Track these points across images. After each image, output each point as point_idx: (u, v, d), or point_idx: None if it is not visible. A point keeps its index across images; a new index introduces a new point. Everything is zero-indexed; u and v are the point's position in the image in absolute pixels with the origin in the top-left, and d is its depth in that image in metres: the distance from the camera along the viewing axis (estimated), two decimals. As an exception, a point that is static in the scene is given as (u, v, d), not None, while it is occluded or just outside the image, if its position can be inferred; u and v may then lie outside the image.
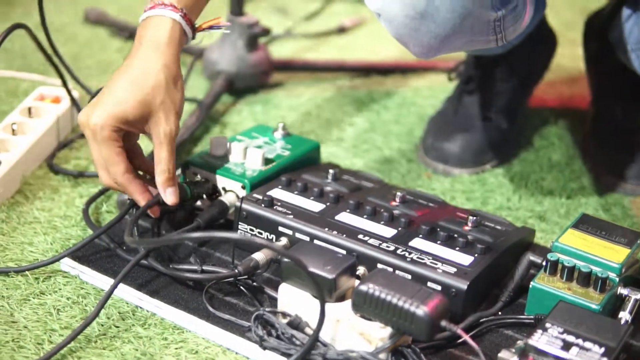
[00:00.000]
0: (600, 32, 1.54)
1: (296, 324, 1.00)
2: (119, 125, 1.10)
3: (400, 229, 1.13)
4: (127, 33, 1.93)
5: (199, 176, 1.24)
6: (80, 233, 1.22)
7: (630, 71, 1.46)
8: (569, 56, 1.78)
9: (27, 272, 1.13)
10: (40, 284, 1.11)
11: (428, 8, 1.11)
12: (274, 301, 1.06)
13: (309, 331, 1.00)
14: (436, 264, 1.06)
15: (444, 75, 1.67)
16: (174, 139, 1.14)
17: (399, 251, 1.08)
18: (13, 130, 1.40)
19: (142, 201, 1.14)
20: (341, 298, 1.01)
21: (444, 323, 0.95)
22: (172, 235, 1.14)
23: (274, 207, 1.16)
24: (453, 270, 1.06)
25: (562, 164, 1.52)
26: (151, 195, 1.14)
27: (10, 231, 1.22)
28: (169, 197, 1.14)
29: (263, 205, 1.16)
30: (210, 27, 1.21)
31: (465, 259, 1.08)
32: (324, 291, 0.98)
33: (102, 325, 1.05)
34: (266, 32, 1.69)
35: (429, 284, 1.05)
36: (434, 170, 1.47)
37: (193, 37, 1.19)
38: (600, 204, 1.40)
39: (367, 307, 0.96)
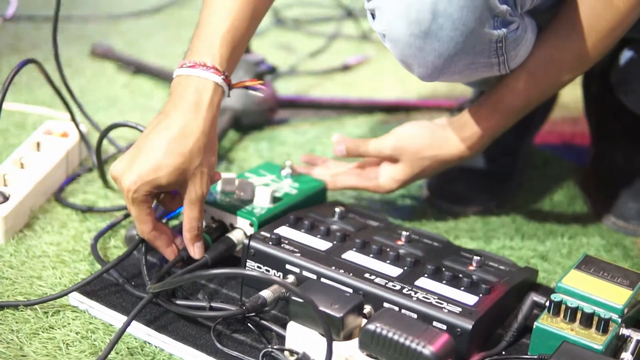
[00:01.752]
0: (600, 74, 1.57)
1: (303, 362, 1.02)
2: (153, 190, 1.12)
3: (406, 268, 1.15)
4: (133, 68, 1.95)
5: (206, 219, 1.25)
6: (89, 267, 1.24)
7: (630, 112, 1.49)
8: (571, 96, 1.80)
9: (36, 306, 1.14)
10: (49, 318, 1.12)
11: (432, 26, 1.13)
12: (281, 339, 1.07)
13: (316, 369, 1.01)
14: (442, 304, 1.08)
15: (447, 114, 1.69)
16: (204, 201, 1.16)
17: (405, 290, 1.10)
18: (22, 164, 1.41)
19: (168, 255, 1.18)
20: (348, 337, 1.02)
21: (450, 363, 0.96)
22: (186, 274, 1.14)
23: (282, 245, 1.17)
24: (458, 310, 1.07)
25: (564, 204, 1.54)
26: (177, 247, 1.18)
27: (19, 265, 1.24)
28: (197, 251, 1.17)
29: (271, 243, 1.17)
30: (246, 87, 1.23)
31: (470, 299, 1.10)
32: (332, 330, 0.99)
33: (111, 360, 1.06)
34: (272, 70, 1.71)
35: (435, 323, 1.06)
36: (438, 209, 1.49)
37: (228, 95, 1.20)
38: (602, 244, 1.42)
39: (374, 346, 0.98)
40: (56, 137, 1.50)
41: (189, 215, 1.16)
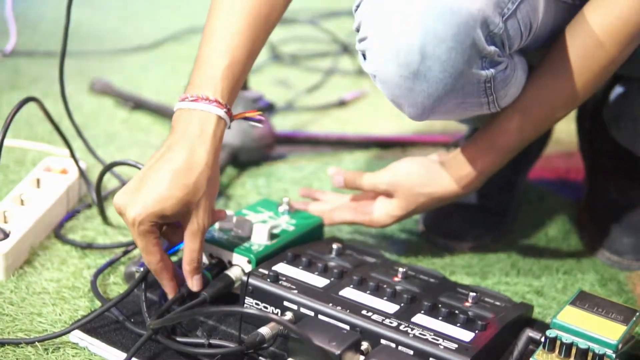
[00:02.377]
0: (593, 111, 1.59)
1: (302, 399, 1.03)
2: (157, 220, 1.14)
3: (402, 304, 1.16)
4: (132, 103, 1.97)
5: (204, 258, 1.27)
6: (89, 304, 1.25)
7: (623, 149, 1.51)
8: (565, 131, 1.82)
9: (37, 343, 1.15)
10: (49, 355, 1.13)
11: (421, 68, 1.15)
12: (279, 375, 1.08)
13: (314, 406, 1.02)
14: (438, 340, 1.09)
15: (443, 150, 1.71)
16: (205, 233, 1.18)
17: (401, 327, 1.11)
18: (22, 200, 1.43)
19: (169, 289, 1.19)
20: (346, 373, 1.03)
21: (446, 400, 0.97)
22: (185, 311, 1.16)
23: (280, 282, 1.18)
24: (454, 346, 1.08)
25: (558, 239, 1.55)
26: (178, 283, 1.19)
27: (19, 301, 1.25)
28: (195, 283, 1.19)
29: (269, 280, 1.18)
30: (245, 118, 1.25)
31: (466, 335, 1.11)
32: (330, 367, 1.01)
33: (111, 397, 1.07)
34: (271, 106, 1.73)
35: (431, 359, 1.07)
36: (434, 244, 1.50)
37: (229, 127, 1.22)
38: (597, 279, 1.43)
39: (371, 383, 0.99)
40: (56, 173, 1.52)
41: (189, 247, 1.18)
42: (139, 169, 1.25)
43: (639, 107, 1.34)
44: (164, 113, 1.90)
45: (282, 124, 1.94)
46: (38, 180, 1.49)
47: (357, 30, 1.20)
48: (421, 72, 1.15)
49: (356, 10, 1.21)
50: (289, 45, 2.46)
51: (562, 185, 1.76)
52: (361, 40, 1.19)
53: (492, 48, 1.16)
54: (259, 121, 1.27)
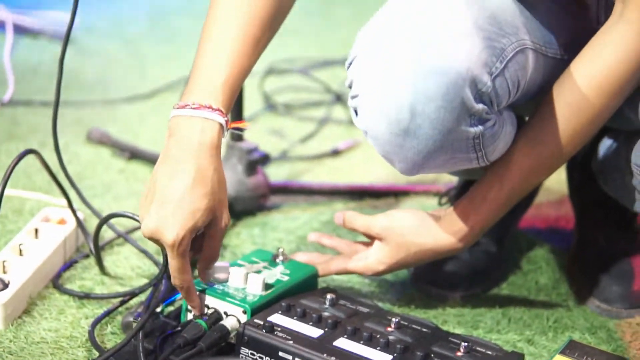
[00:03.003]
0: (582, 162, 1.62)
1: None
2: (192, 235, 1.19)
3: (395, 354, 1.18)
4: (128, 153, 2.00)
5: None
6: (86, 354, 1.27)
7: (612, 199, 1.53)
8: (555, 179, 1.84)
9: (35, 393, 1.17)
10: (48, 405, 1.15)
11: (411, 125, 1.18)
12: None
13: None
14: (430, 390, 1.11)
15: (435, 199, 1.74)
16: (226, 231, 1.25)
17: (394, 377, 1.13)
18: (20, 250, 1.45)
19: (197, 305, 1.25)
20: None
21: None
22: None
23: (275, 333, 1.20)
24: (446, 395, 1.10)
25: (549, 287, 1.58)
26: (201, 306, 1.25)
27: (18, 351, 1.26)
28: (206, 276, 1.28)
29: (264, 330, 1.21)
30: (235, 128, 1.30)
31: (458, 385, 1.13)
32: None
33: None
34: (266, 157, 1.76)
35: (424, 409, 1.09)
36: (426, 293, 1.53)
37: (224, 136, 1.26)
38: (586, 327, 1.45)
39: None
40: (54, 224, 1.54)
41: (214, 246, 1.25)
42: (137, 220, 1.27)
43: (626, 159, 1.37)
44: (160, 163, 1.92)
45: (276, 173, 1.97)
46: (36, 230, 1.51)
47: (350, 87, 1.24)
48: (411, 130, 1.18)
49: (349, 67, 1.24)
50: (283, 94, 2.49)
51: (552, 234, 1.78)
52: (353, 97, 1.23)
53: (481, 106, 1.19)
54: (244, 130, 1.33)
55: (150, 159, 1.96)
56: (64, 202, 1.53)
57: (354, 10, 3.43)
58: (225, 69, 1.25)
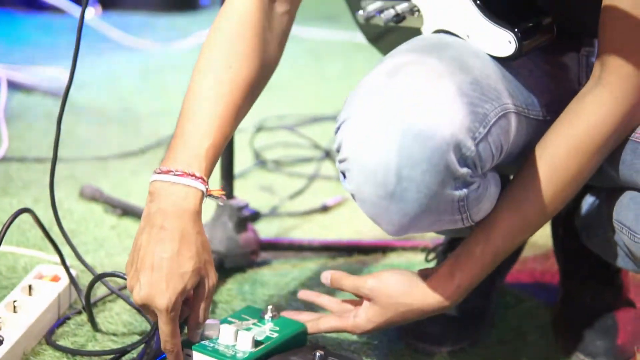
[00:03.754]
0: (566, 218, 1.65)
1: None
2: (182, 298, 1.23)
3: (382, 410, 1.20)
4: (120, 210, 2.02)
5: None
6: (78, 410, 1.29)
7: (596, 255, 1.56)
8: (540, 234, 1.86)
9: None
10: None
11: (397, 189, 1.21)
12: None
13: None
14: None
15: (422, 255, 1.77)
16: (214, 291, 1.28)
17: None
18: (14, 307, 1.47)
19: None
20: None
21: None
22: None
23: (265, 389, 1.23)
24: None
25: (535, 342, 1.60)
26: None
27: (11, 408, 1.29)
28: (195, 336, 1.29)
29: (254, 386, 1.23)
30: (210, 195, 1.32)
31: None
32: None
33: None
34: (256, 215, 1.79)
35: None
36: (414, 349, 1.55)
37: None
38: (572, 381, 1.48)
39: None
40: (47, 281, 1.56)
41: (203, 307, 1.27)
42: (127, 280, 1.30)
43: (608, 216, 1.40)
44: (152, 219, 1.95)
45: (266, 229, 1.99)
46: (30, 287, 1.53)
47: (338, 150, 1.27)
48: (397, 193, 1.21)
49: (337, 131, 1.28)
50: (273, 151, 2.53)
51: (538, 288, 1.81)
52: (341, 161, 1.26)
53: (465, 170, 1.22)
54: (221, 200, 1.34)
55: (141, 216, 1.98)
56: (58, 258, 1.55)
57: (343, 65, 3.49)
58: (207, 137, 1.30)
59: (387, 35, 1.52)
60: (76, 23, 1.34)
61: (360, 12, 1.47)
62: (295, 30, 1.46)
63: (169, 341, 1.24)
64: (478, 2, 1.31)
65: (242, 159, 2.28)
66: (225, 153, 1.79)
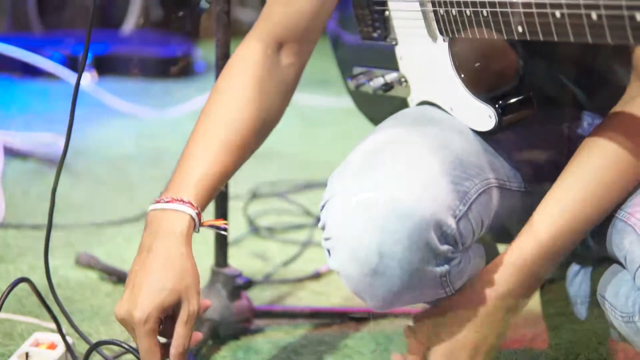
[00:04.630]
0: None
1: None
2: (160, 314, 1.25)
3: None
4: (116, 277, 2.05)
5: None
6: None
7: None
8: (533, 301, 1.90)
9: None
10: None
11: (379, 266, 1.24)
12: None
13: None
14: None
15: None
16: (195, 319, 1.29)
17: None
18: (12, 375, 1.50)
19: None
20: None
21: None
22: None
23: None
24: None
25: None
26: None
27: None
28: None
29: None
30: (211, 226, 1.38)
31: None
32: None
33: None
34: (249, 283, 1.82)
35: None
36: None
37: (197, 230, 1.34)
38: None
39: None
40: (44, 349, 1.58)
41: (180, 334, 1.28)
42: (126, 349, 1.33)
43: (592, 289, 1.43)
44: (146, 286, 1.97)
45: (260, 297, 2.02)
46: (27, 355, 1.56)
47: (323, 229, 1.31)
48: (380, 270, 1.24)
49: (322, 210, 1.31)
50: (266, 218, 2.56)
51: (527, 355, 1.82)
52: (326, 239, 1.30)
53: (446, 247, 1.26)
54: (224, 229, 1.41)
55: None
56: (54, 326, 1.57)
57: (335, 131, 3.53)
58: (200, 169, 1.36)
59: (375, 102, 1.56)
60: (72, 89, 1.39)
61: (350, 79, 1.52)
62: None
63: (146, 358, 1.26)
64: (462, 75, 1.35)
65: (235, 227, 2.31)
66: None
